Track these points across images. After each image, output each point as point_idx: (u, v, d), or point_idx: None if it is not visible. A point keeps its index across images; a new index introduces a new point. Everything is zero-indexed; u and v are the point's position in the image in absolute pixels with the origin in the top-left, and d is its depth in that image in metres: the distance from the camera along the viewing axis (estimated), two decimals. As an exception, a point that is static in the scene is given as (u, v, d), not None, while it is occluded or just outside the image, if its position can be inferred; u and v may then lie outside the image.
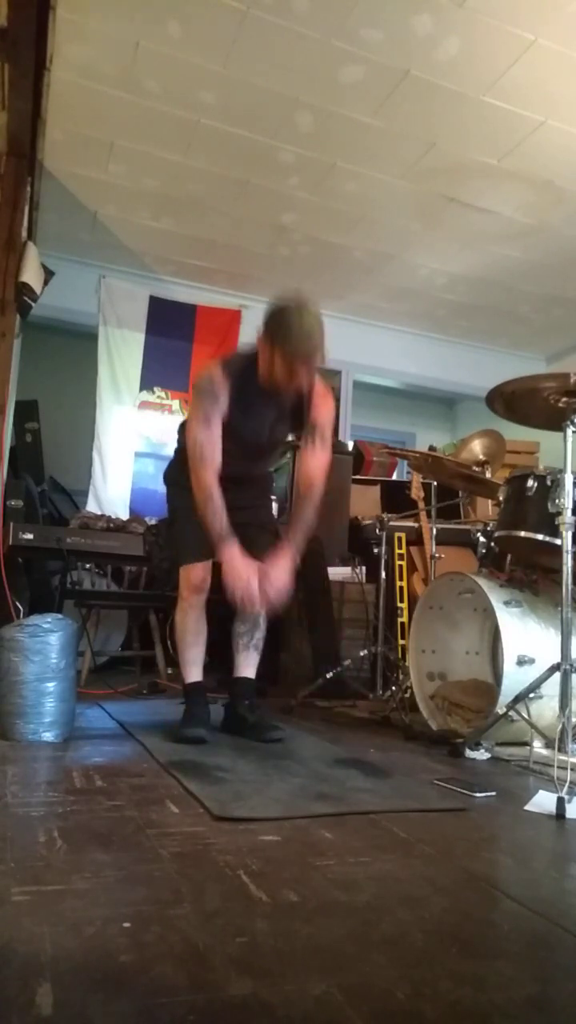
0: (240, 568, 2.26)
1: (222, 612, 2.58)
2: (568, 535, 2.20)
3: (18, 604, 3.43)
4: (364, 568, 4.04)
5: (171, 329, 5.36)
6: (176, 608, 2.59)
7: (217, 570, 2.59)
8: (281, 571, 2.30)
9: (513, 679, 2.37)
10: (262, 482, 2.82)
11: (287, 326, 2.26)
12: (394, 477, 5.43)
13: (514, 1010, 0.90)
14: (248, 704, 2.57)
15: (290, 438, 2.87)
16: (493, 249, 4.75)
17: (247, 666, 2.61)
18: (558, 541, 2.25)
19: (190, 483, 2.42)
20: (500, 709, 2.35)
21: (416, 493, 3.90)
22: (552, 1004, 0.94)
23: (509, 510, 2.68)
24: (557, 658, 2.13)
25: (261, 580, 2.27)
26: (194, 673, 2.57)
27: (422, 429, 7.51)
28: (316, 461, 2.45)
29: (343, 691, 3.43)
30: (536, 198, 4.14)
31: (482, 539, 2.95)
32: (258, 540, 2.56)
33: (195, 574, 2.51)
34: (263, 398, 2.41)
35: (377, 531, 3.61)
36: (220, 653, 2.82)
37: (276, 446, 2.64)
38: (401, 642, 3.69)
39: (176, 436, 2.72)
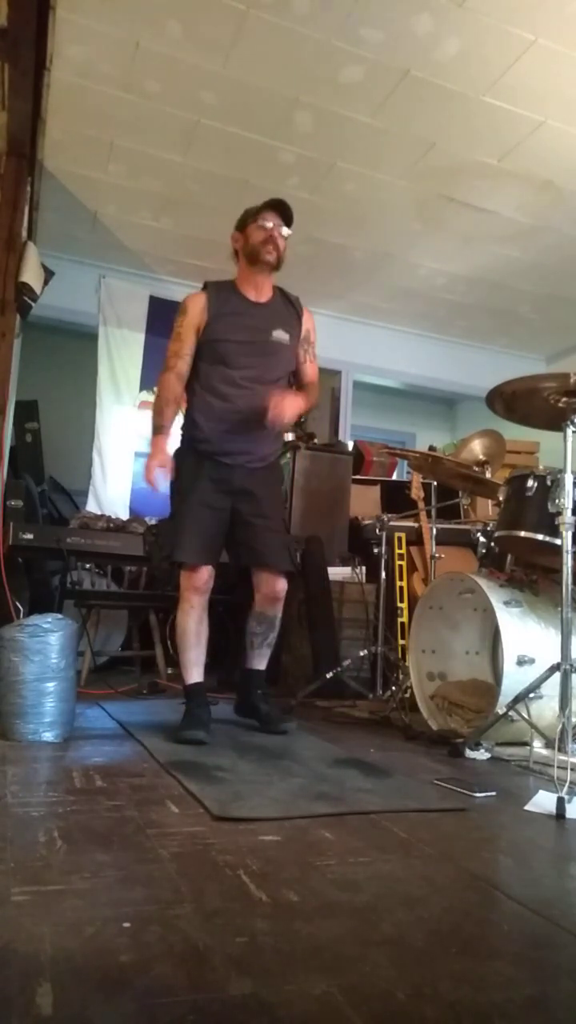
0: (161, 456, 2.53)
1: (222, 612, 2.59)
2: (568, 535, 2.20)
3: (18, 604, 3.43)
4: (364, 568, 4.04)
5: (171, 329, 5.34)
6: (177, 609, 2.59)
7: (219, 571, 2.60)
8: (291, 402, 2.53)
9: (513, 679, 2.37)
10: (275, 470, 2.83)
11: (251, 208, 2.64)
12: (394, 477, 5.41)
13: (514, 1010, 0.90)
14: (262, 694, 2.70)
15: (289, 436, 2.89)
16: (493, 249, 4.74)
17: (260, 660, 2.74)
18: (558, 541, 2.26)
19: (188, 474, 2.56)
20: (500, 709, 2.35)
21: (416, 493, 3.89)
22: (552, 1004, 0.94)
23: (509, 510, 2.68)
24: (557, 658, 2.13)
25: (273, 404, 2.49)
26: (195, 674, 2.58)
27: (422, 429, 7.51)
28: (312, 370, 2.80)
29: (343, 691, 3.43)
30: (536, 198, 4.14)
31: (482, 539, 2.95)
32: (266, 540, 2.58)
33: (198, 575, 2.53)
34: (250, 306, 2.65)
35: (377, 531, 3.61)
36: (221, 653, 2.82)
37: (280, 354, 2.67)
38: (401, 642, 3.69)
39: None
